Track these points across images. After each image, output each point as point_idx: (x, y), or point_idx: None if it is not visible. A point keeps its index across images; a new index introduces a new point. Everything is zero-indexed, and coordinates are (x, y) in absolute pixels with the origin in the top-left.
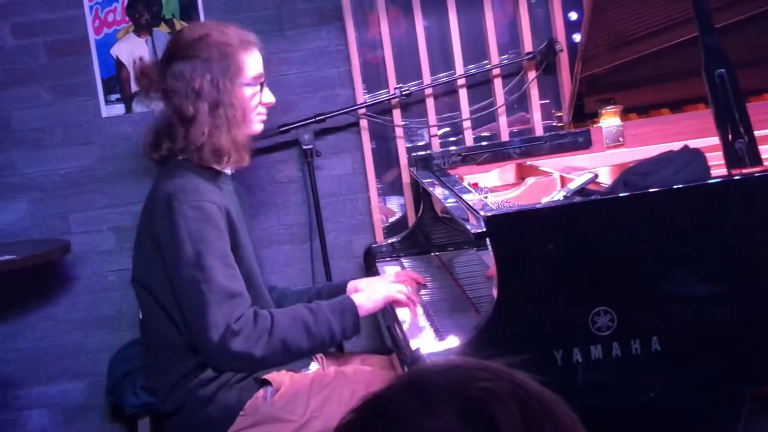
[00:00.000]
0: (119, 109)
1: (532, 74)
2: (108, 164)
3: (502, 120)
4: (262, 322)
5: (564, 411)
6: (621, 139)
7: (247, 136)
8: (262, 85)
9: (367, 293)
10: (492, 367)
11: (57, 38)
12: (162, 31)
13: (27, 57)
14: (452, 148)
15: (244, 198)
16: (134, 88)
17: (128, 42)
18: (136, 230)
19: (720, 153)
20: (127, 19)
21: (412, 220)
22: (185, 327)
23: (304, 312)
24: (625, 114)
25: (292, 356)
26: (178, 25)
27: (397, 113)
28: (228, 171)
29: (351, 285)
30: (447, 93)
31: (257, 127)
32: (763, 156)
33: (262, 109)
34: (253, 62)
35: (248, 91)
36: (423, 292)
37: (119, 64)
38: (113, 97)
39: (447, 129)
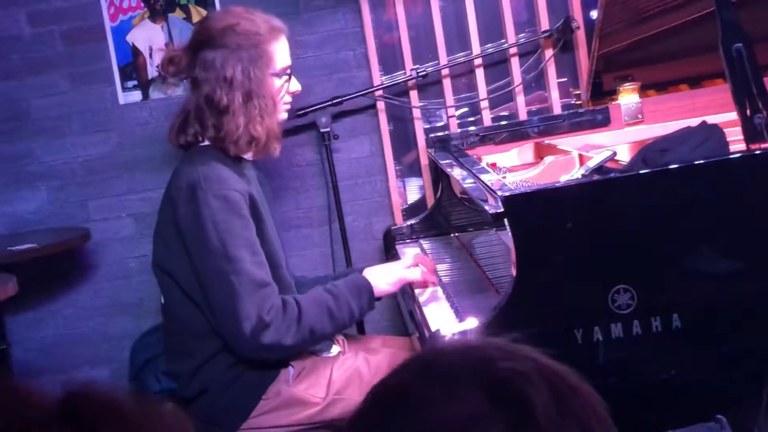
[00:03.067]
0: (136, 95)
1: (549, 52)
2: (126, 151)
3: (520, 99)
4: (291, 311)
5: (584, 385)
6: (640, 116)
7: (277, 124)
8: (289, 75)
9: (382, 274)
10: (510, 347)
11: (73, 26)
12: (177, 17)
13: (44, 45)
14: (471, 128)
15: (265, 183)
16: (151, 74)
17: (144, 28)
18: (156, 216)
19: (739, 128)
20: (142, 5)
21: (431, 201)
22: (212, 317)
23: (326, 296)
24: (643, 90)
25: (317, 341)
26: (194, 10)
27: (414, 94)
28: (249, 156)
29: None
30: (464, 73)
31: (282, 115)
32: None
33: (288, 98)
34: (281, 52)
35: (277, 82)
36: (443, 273)
37: (135, 51)
38: (130, 83)
39: (465, 109)
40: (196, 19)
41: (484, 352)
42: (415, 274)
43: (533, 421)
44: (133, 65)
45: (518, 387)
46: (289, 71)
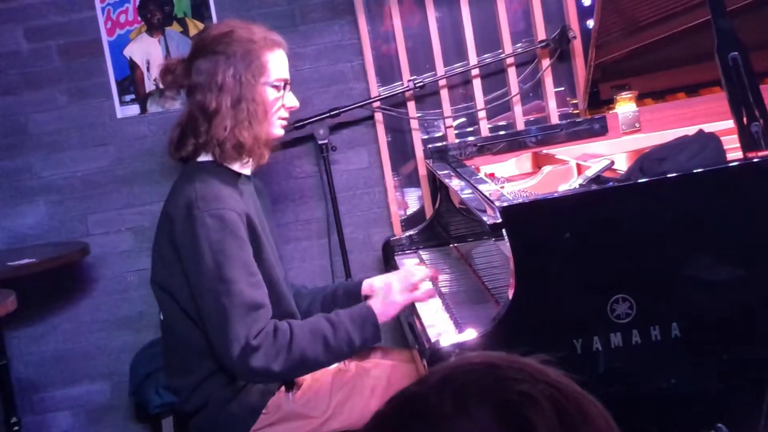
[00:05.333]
0: (134, 109)
1: (546, 62)
2: (124, 165)
3: (517, 109)
4: (281, 338)
5: (600, 414)
6: (637, 125)
7: (268, 134)
8: (285, 87)
9: (387, 301)
10: (528, 367)
11: (70, 41)
12: (174, 31)
13: (41, 60)
14: (470, 138)
15: (265, 195)
16: (149, 87)
17: (141, 42)
18: (154, 231)
19: (736, 136)
20: (139, 19)
21: (429, 212)
22: (205, 336)
23: (324, 325)
24: (640, 99)
25: (310, 369)
26: (191, 24)
27: (411, 105)
28: (247, 172)
29: (366, 284)
30: (461, 84)
31: (278, 131)
32: None
33: (283, 113)
34: (276, 63)
35: (271, 93)
36: (442, 284)
37: (133, 65)
38: (128, 97)
39: (462, 120)
40: (193, 32)
41: (502, 372)
42: (419, 293)
43: None
44: (130, 79)
45: (526, 412)
46: (285, 84)
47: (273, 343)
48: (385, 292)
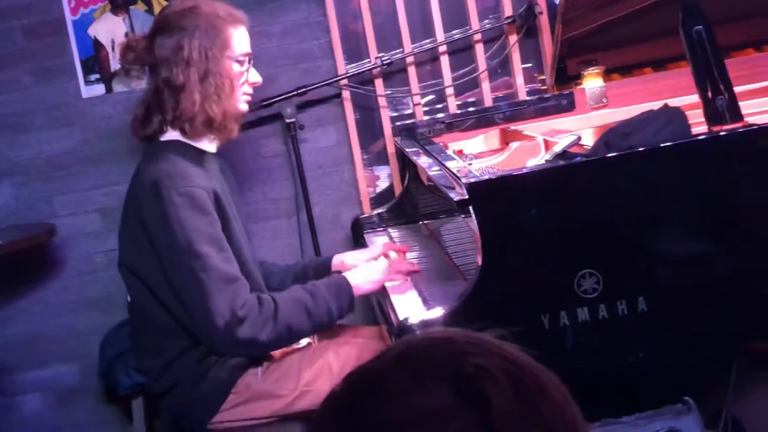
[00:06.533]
0: (99, 89)
1: (513, 38)
2: (90, 145)
3: (485, 86)
4: (267, 308)
5: (556, 387)
6: (604, 100)
7: (235, 108)
8: (249, 62)
9: (364, 275)
10: (484, 342)
11: (33, 20)
12: (139, 9)
13: (4, 41)
14: (439, 115)
15: (229, 174)
16: (114, 67)
17: (105, 21)
18: (121, 213)
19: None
20: None
21: (398, 189)
22: (184, 315)
23: (304, 295)
24: (607, 74)
25: (294, 339)
26: (155, 2)
27: (379, 83)
28: (212, 149)
29: (336, 259)
30: (429, 61)
31: (243, 106)
32: (744, 112)
33: (248, 89)
34: (239, 39)
35: (235, 67)
36: (412, 261)
37: (97, 44)
38: (93, 77)
39: (431, 97)
40: (157, 10)
41: (458, 346)
42: (396, 274)
43: (490, 420)
44: (95, 58)
45: (481, 385)
46: (248, 59)
47: (259, 314)
48: (369, 267)
